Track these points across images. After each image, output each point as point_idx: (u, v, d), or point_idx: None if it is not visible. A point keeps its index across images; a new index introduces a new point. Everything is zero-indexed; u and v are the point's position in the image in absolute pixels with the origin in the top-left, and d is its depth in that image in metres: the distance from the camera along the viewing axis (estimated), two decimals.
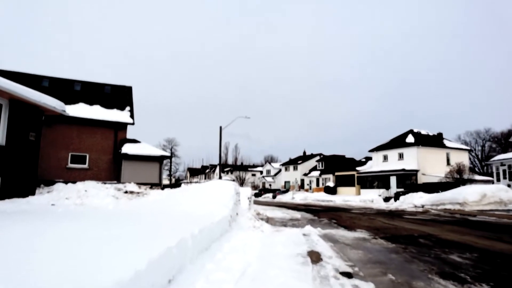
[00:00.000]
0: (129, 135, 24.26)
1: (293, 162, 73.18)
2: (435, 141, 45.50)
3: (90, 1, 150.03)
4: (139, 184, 18.96)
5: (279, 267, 5.89)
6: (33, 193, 12.20)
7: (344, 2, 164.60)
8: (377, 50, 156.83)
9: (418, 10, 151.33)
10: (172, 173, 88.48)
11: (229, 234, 9.01)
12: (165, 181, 75.14)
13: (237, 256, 6.55)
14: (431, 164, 41.85)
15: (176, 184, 46.83)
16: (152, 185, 20.26)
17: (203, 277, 4.75)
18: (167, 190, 14.20)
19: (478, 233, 10.90)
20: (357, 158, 64.05)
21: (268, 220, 15.34)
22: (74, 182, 14.86)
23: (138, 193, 13.37)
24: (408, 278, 5.39)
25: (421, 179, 40.58)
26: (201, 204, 10.08)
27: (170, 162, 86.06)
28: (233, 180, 16.63)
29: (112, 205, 10.33)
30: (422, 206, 26.87)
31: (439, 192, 29.42)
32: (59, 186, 12.87)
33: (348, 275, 5.59)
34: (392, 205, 30.90)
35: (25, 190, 11.82)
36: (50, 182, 17.27)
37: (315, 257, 7.06)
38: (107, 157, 22.84)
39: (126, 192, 13.24)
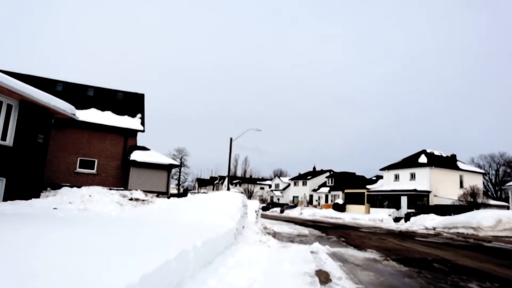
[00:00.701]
0: (139, 143, 24.16)
1: (303, 177, 72.47)
2: (448, 162, 44.62)
3: (105, 10, 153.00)
4: (146, 192, 18.72)
5: (285, 286, 5.52)
6: (37, 196, 12.02)
7: (358, 21, 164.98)
8: (392, 67, 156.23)
9: (431, 28, 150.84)
10: (180, 182, 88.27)
11: (234, 248, 8.64)
12: (174, 191, 74.94)
13: (242, 271, 6.19)
14: (443, 186, 40.96)
15: (184, 193, 46.60)
16: (159, 194, 20.01)
17: None
18: (172, 199, 13.91)
19: (496, 260, 10.35)
20: (368, 176, 63.19)
21: (275, 235, 14.92)
22: (80, 187, 14.68)
23: (143, 200, 13.10)
24: None
25: (433, 201, 39.66)
26: (207, 215, 9.75)
27: (179, 172, 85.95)
28: (242, 193, 16.28)
29: (116, 212, 10.06)
30: (434, 229, 26.11)
31: (451, 215, 28.63)
32: (64, 190, 12.68)
33: None
34: (403, 225, 30.13)
35: (30, 192, 11.64)
36: (57, 186, 17.16)
37: (323, 277, 6.65)
38: (116, 163, 22.72)
39: (131, 199, 12.99)
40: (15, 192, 11.11)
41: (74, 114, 13.50)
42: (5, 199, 10.90)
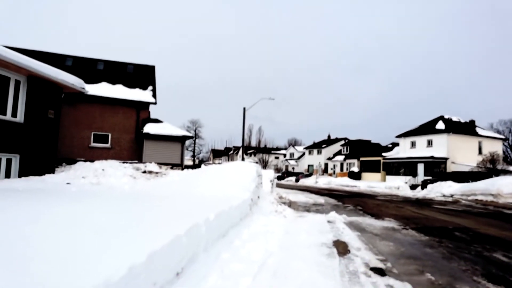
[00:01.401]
0: (153, 116, 24.03)
1: (317, 146, 71.97)
2: (466, 128, 43.48)
3: None
4: (160, 164, 18.72)
5: (302, 259, 5.33)
6: (52, 171, 12.03)
7: None
8: (407, 31, 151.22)
9: None
10: (195, 154, 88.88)
11: (249, 219, 8.50)
12: (189, 162, 75.60)
13: (257, 244, 6.02)
14: (461, 153, 40.10)
15: (198, 165, 46.83)
16: (173, 166, 20.01)
17: (217, 270, 4.23)
18: (186, 171, 13.79)
19: None
20: (383, 144, 62.38)
21: (290, 204, 14.80)
22: (94, 161, 14.67)
23: (156, 173, 13.02)
24: (450, 280, 4.72)
25: (450, 168, 38.99)
26: (220, 186, 9.59)
27: (194, 143, 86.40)
28: (256, 163, 16.06)
29: (128, 185, 9.98)
30: (451, 196, 25.68)
31: (469, 182, 28.09)
32: (77, 165, 12.66)
33: (380, 271, 4.97)
34: (419, 193, 29.74)
35: (44, 168, 11.63)
36: (72, 161, 17.25)
37: (341, 248, 6.46)
38: (129, 136, 22.69)
39: (144, 172, 12.91)
40: (29, 169, 11.11)
41: (83, 88, 13.30)
42: (20, 175, 10.92)
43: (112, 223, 4.00)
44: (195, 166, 33.28)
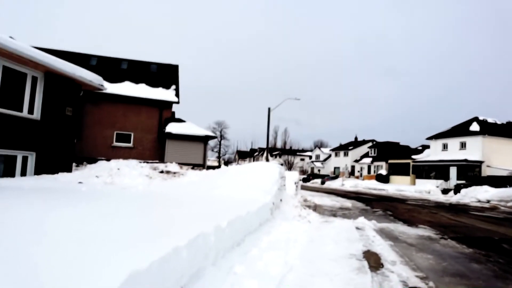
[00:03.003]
0: (178, 116, 23.68)
1: (344, 148, 70.40)
2: (504, 130, 41.17)
3: None
4: (181, 164, 18.27)
5: (328, 275, 4.59)
6: (69, 170, 11.72)
7: None
8: (438, 38, 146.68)
9: None
10: (221, 155, 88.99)
11: (270, 225, 7.81)
12: (214, 163, 75.51)
13: (277, 255, 5.32)
14: (498, 156, 37.94)
15: (220, 166, 46.42)
16: (195, 166, 19.52)
17: None
18: (205, 171, 13.22)
19: None
20: (412, 147, 60.24)
21: (315, 208, 14.00)
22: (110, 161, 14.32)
23: (174, 173, 12.52)
24: None
25: (486, 172, 36.95)
26: (240, 188, 8.93)
27: (220, 144, 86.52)
28: (282, 164, 15.35)
29: (143, 186, 9.48)
30: (488, 201, 24.11)
31: (507, 187, 26.36)
32: (93, 164, 12.31)
33: None
34: (452, 198, 28.16)
35: (60, 166, 11.32)
36: (93, 160, 17.02)
37: (373, 261, 5.67)
38: (152, 136, 22.43)
39: (162, 172, 12.44)
40: (44, 167, 10.81)
41: (102, 85, 12.95)
42: (36, 173, 10.64)
43: (101, 232, 3.39)
44: (219, 167, 32.82)
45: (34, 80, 10.92)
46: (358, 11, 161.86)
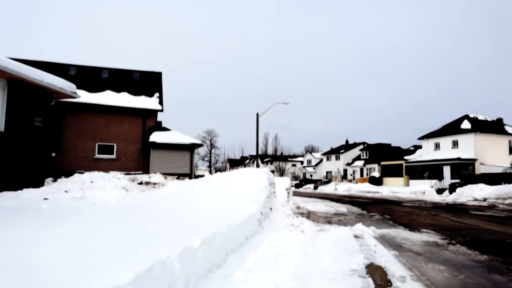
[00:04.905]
0: (166, 126, 22.69)
1: (335, 152, 69.78)
2: (494, 127, 40.89)
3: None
4: (167, 174, 17.30)
5: None
6: (37, 185, 10.70)
7: None
8: (422, 31, 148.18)
9: None
10: (212, 164, 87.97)
11: (258, 238, 6.92)
12: (206, 172, 74.41)
13: (265, 276, 4.45)
14: (490, 153, 37.54)
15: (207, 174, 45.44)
16: (181, 176, 18.54)
17: None
18: (188, 180, 12.32)
19: None
20: (404, 147, 59.86)
21: (309, 215, 13.14)
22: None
23: (154, 184, 11.59)
24: None
25: (479, 169, 36.48)
26: (224, 198, 8.04)
27: (210, 153, 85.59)
28: (273, 171, 14.49)
29: (116, 200, 8.52)
30: (485, 200, 23.49)
31: (501, 184, 25.83)
32: (63, 178, 11.31)
33: None
34: (448, 197, 27.51)
35: (25, 181, 10.30)
36: (71, 173, 16.00)
37: (379, 277, 4.82)
38: (136, 146, 21.42)
39: (140, 183, 11.50)
40: (6, 182, 9.76)
41: (74, 92, 12.02)
42: None
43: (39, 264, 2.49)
44: (199, 176, 31.77)
45: None
46: (347, 16, 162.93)
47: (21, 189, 9.55)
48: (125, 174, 14.23)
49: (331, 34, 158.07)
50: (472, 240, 7.82)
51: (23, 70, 10.23)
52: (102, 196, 9.00)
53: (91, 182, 10.21)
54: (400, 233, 8.98)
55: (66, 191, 9.23)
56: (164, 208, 6.93)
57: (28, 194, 8.61)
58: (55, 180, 13.07)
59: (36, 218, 5.04)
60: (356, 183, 52.84)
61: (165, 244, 3.43)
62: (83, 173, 14.97)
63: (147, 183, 11.61)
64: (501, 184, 26.07)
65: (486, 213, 14.51)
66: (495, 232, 9.16)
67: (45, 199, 8.12)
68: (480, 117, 42.99)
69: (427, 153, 43.48)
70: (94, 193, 9.29)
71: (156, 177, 14.31)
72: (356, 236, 8.21)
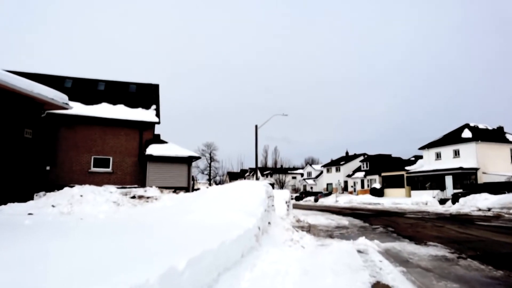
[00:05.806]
0: (164, 139, 22.28)
1: (335, 163, 69.32)
2: (495, 135, 40.50)
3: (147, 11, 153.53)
4: (164, 188, 16.87)
5: None
6: (25, 199, 10.25)
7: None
8: (420, 42, 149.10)
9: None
10: (211, 177, 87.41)
11: (255, 254, 6.46)
12: (205, 186, 73.75)
13: None
14: (492, 162, 37.06)
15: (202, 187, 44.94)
16: (177, 189, 18.06)
17: None
18: (183, 194, 11.89)
19: None
20: (404, 158, 59.37)
21: (309, 229, 12.66)
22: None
23: (148, 198, 11.16)
24: None
25: (482, 179, 35.97)
26: (219, 212, 7.61)
27: (210, 167, 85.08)
28: (272, 184, 14.04)
29: (105, 214, 8.07)
30: (489, 209, 23.04)
31: (505, 193, 25.38)
32: (52, 193, 10.86)
33: None
34: (451, 208, 27.04)
35: (11, 195, 9.85)
36: (63, 187, 15.56)
37: None
38: (132, 159, 21.01)
39: (133, 197, 11.07)
40: None
41: (66, 103, 11.67)
42: None
43: None
44: (196, 189, 31.27)
45: None
46: (345, 24, 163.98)
47: (5, 203, 9.10)
48: (119, 187, 13.80)
49: (335, 47, 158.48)
50: (483, 254, 7.36)
51: (10, 80, 9.87)
52: (91, 211, 8.56)
53: (81, 196, 9.77)
54: (406, 247, 8.51)
55: (53, 206, 8.79)
56: (156, 224, 6.48)
57: (12, 209, 8.17)
58: (40, 193, 12.62)
59: (6, 238, 4.60)
60: (357, 194, 52.34)
61: (144, 266, 2.99)
62: (73, 186, 14.58)
63: (140, 197, 11.18)
64: (505, 193, 25.62)
65: (493, 224, 14.04)
66: (506, 244, 8.70)
67: (29, 214, 7.69)
68: (481, 126, 42.64)
69: (428, 163, 43.02)
70: (83, 208, 8.86)
71: (151, 191, 13.88)
72: (359, 251, 7.74)
